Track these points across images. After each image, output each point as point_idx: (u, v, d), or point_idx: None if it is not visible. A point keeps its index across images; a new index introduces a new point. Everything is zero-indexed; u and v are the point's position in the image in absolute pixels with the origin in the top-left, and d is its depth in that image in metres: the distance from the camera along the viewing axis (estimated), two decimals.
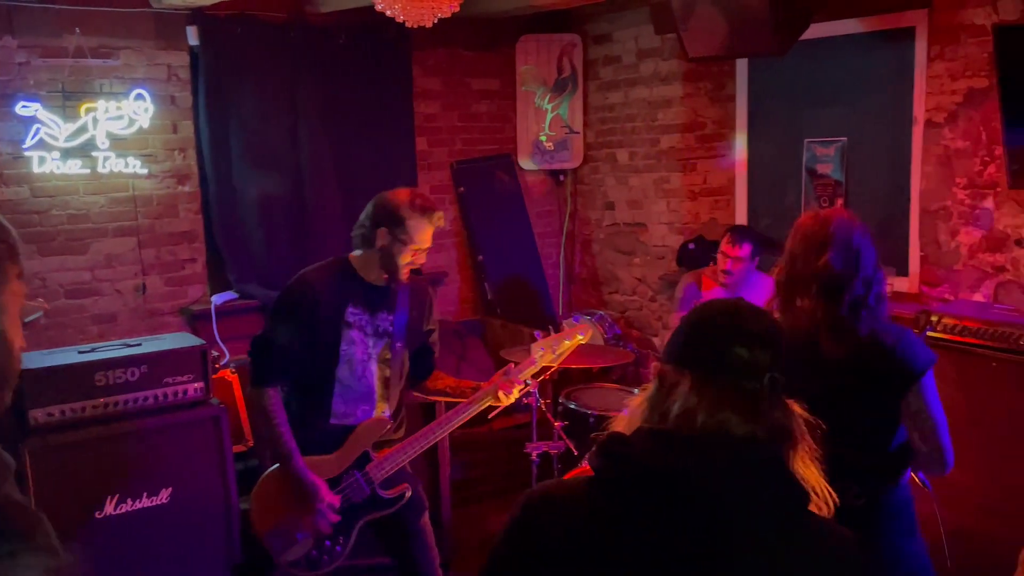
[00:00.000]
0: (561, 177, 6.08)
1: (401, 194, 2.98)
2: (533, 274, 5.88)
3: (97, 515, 3.36)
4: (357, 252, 3.00)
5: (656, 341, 5.66)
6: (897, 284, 4.37)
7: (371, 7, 3.54)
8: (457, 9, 3.53)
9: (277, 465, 2.96)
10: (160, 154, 4.55)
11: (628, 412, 1.36)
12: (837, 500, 1.36)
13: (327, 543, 2.96)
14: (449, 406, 3.18)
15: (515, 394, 3.08)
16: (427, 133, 5.49)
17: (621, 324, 5.75)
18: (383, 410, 3.06)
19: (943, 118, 4.13)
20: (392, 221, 2.91)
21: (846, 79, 4.55)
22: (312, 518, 2.89)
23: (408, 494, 3.05)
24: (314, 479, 2.90)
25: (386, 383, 3.05)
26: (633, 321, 5.79)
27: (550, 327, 3.11)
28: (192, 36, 4.56)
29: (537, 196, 6.03)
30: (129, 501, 3.42)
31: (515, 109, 5.83)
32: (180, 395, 3.55)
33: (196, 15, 4.51)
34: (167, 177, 4.58)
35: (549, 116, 5.87)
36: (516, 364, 3.18)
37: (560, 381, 4.89)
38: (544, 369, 3.22)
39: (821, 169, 4.72)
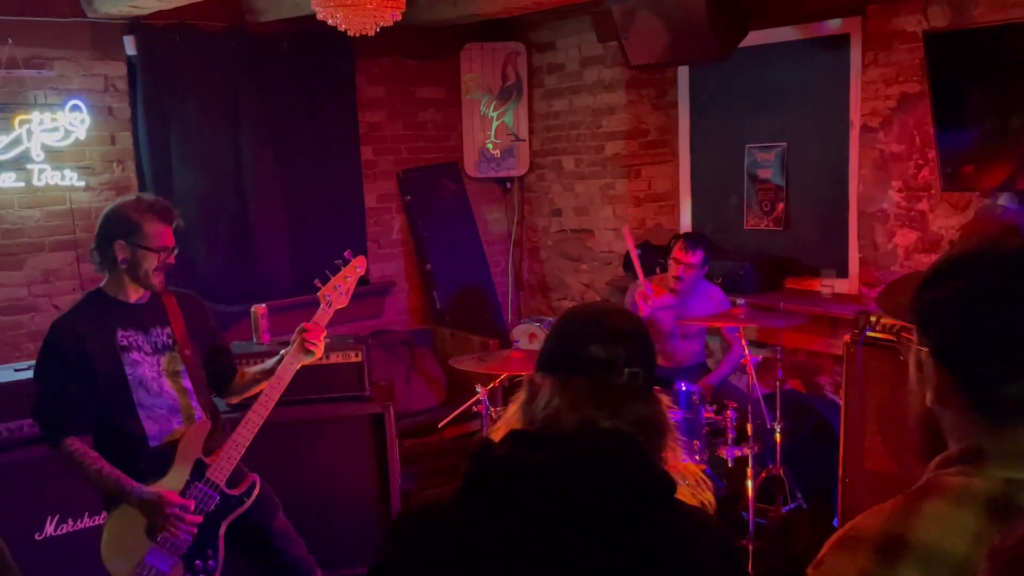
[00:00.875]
0: (508, 184, 6.09)
1: (127, 203, 2.84)
2: (482, 282, 5.88)
3: (37, 536, 3.27)
4: (105, 277, 2.85)
5: None
6: (837, 286, 4.46)
7: (313, 16, 3.52)
8: (399, 18, 3.53)
9: (111, 510, 2.79)
10: (98, 166, 4.46)
11: (502, 421, 1.39)
12: (711, 486, 1.41)
13: (197, 562, 2.80)
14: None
15: (322, 344, 2.94)
16: (372, 142, 5.47)
17: None
18: (195, 414, 2.93)
19: (878, 123, 4.23)
20: (126, 231, 2.76)
21: (785, 85, 4.65)
22: (169, 535, 2.73)
23: (257, 484, 2.94)
24: (155, 490, 2.74)
25: (187, 393, 2.92)
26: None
27: (328, 273, 2.98)
28: (129, 46, 4.48)
29: (484, 204, 6.04)
30: (70, 521, 3.33)
31: (460, 117, 5.84)
32: None
33: (133, 24, 4.43)
34: (105, 189, 4.49)
35: (495, 124, 5.89)
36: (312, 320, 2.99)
37: (511, 388, 4.90)
38: (339, 311, 3.04)
39: (762, 174, 4.80)
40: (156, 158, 4.56)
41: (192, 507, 2.77)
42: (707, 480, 1.42)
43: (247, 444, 2.87)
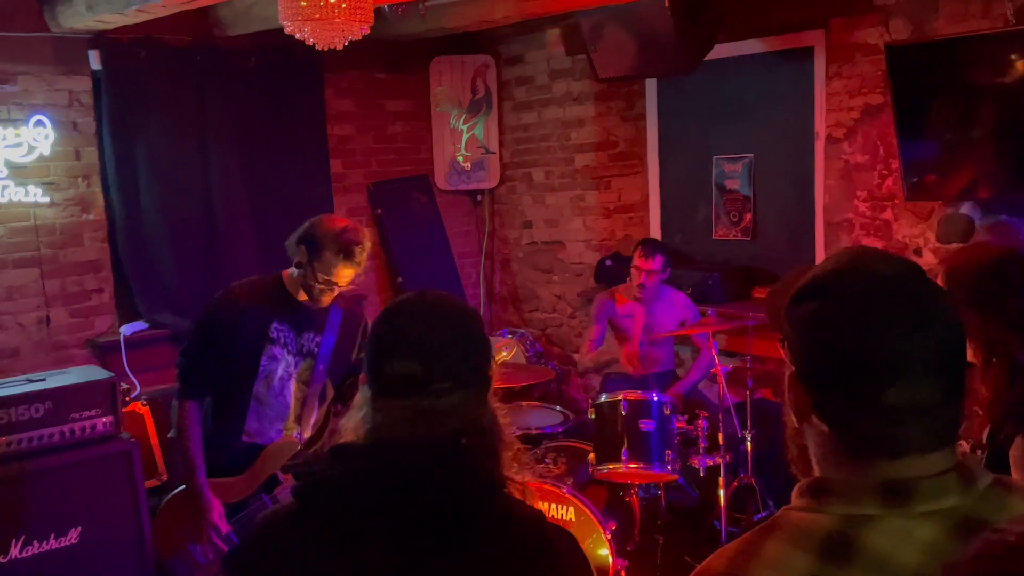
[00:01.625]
0: (478, 197, 6.10)
1: (334, 224, 2.88)
2: (453, 294, 5.87)
3: (1, 559, 3.20)
4: (291, 269, 2.96)
5: (577, 358, 5.71)
6: None
7: (280, 30, 3.51)
8: (368, 32, 3.53)
9: (182, 487, 2.91)
10: (63, 182, 4.41)
11: (346, 428, 1.37)
12: (532, 488, 1.39)
13: None
14: None
15: None
16: (342, 155, 5.45)
17: (542, 342, 5.79)
18: (294, 432, 3.00)
19: (843, 133, 4.29)
20: (311, 246, 2.84)
21: (751, 97, 4.70)
22: (202, 541, 2.85)
23: None
24: (210, 499, 2.84)
25: (303, 404, 3.00)
26: (553, 338, 5.83)
27: None
28: (94, 60, 4.44)
29: (455, 216, 6.04)
30: (36, 543, 3.27)
31: (430, 130, 5.84)
32: (88, 430, 3.41)
33: (98, 39, 4.39)
34: (71, 205, 4.44)
35: (465, 137, 5.90)
36: None
37: None
38: None
39: (730, 185, 4.85)
40: (122, 173, 4.52)
41: (224, 531, 2.84)
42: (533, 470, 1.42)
43: None
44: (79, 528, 3.35)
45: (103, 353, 4.49)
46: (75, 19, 4.05)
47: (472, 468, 1.27)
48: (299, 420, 3.01)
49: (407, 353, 1.29)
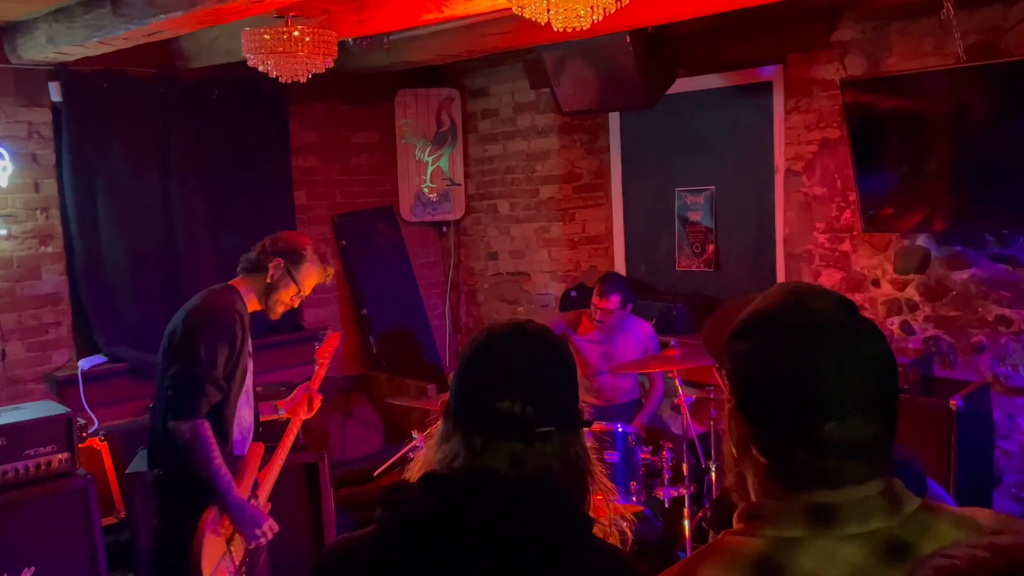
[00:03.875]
0: (444, 228, 6.11)
1: (303, 237, 3.07)
2: (418, 326, 5.86)
3: None
4: (242, 279, 2.97)
5: None
6: None
7: (244, 62, 3.52)
8: (332, 65, 3.55)
9: (203, 517, 2.79)
10: (21, 214, 4.34)
11: (419, 459, 1.36)
12: (630, 524, 1.43)
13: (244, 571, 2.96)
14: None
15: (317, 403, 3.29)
16: (306, 186, 5.44)
17: None
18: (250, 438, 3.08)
19: (801, 166, 4.37)
20: (292, 256, 2.94)
21: (712, 130, 4.77)
22: (247, 547, 2.90)
23: None
24: (256, 504, 2.91)
25: (256, 409, 3.12)
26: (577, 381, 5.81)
27: (315, 343, 3.36)
28: (55, 92, 4.40)
29: (420, 248, 6.04)
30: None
31: (395, 162, 5.85)
32: (43, 467, 3.36)
33: (59, 71, 4.36)
34: (29, 238, 4.37)
35: (430, 168, 5.91)
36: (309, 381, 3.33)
37: None
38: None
39: (692, 216, 4.90)
40: (82, 205, 4.47)
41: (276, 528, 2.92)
42: (624, 516, 1.42)
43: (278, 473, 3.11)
44: (32, 568, 3.28)
45: (60, 387, 4.41)
46: (35, 51, 4.02)
47: (563, 506, 1.26)
48: (257, 426, 3.09)
49: (514, 394, 1.25)
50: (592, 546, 1.27)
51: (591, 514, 1.31)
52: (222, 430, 2.87)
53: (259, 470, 3.01)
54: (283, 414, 3.24)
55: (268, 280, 2.93)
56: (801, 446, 1.00)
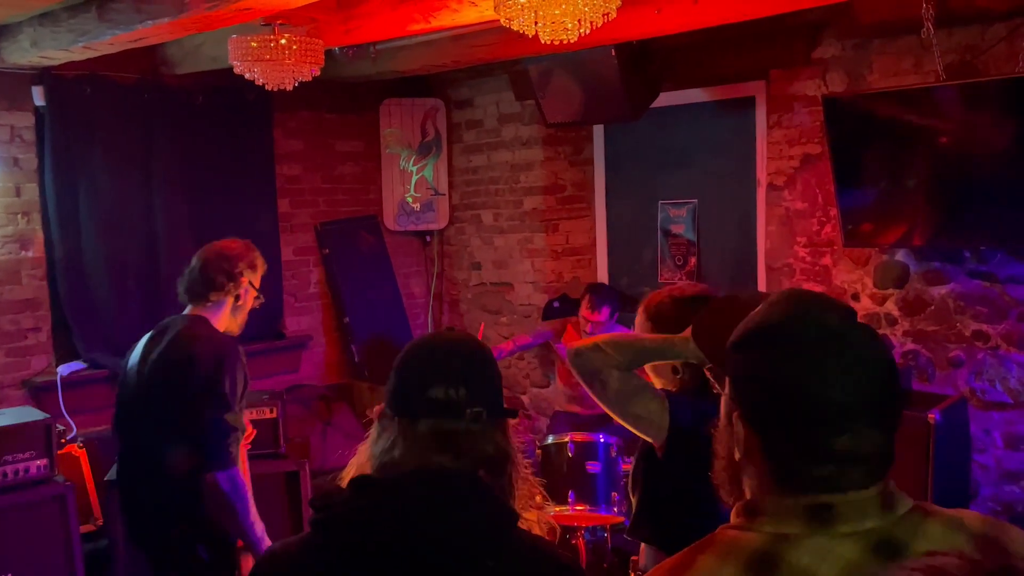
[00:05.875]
0: (427, 238, 6.11)
1: (239, 243, 2.89)
2: (401, 335, 5.85)
3: None
4: (201, 307, 2.79)
5: (525, 399, 5.71)
6: None
7: (229, 69, 3.52)
8: (318, 73, 3.55)
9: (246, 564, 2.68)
10: (2, 218, 4.31)
11: (353, 462, 1.42)
12: (553, 520, 1.48)
13: None
14: None
15: None
16: (290, 195, 5.43)
17: None
18: None
19: (783, 181, 4.41)
20: (251, 269, 2.84)
21: (695, 144, 4.81)
22: None
23: None
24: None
25: None
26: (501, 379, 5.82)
27: None
28: (38, 96, 4.38)
29: (404, 257, 6.04)
30: None
31: (380, 171, 5.86)
32: (21, 473, 3.33)
33: (43, 75, 4.34)
34: (9, 242, 4.34)
35: (414, 178, 5.92)
36: None
37: None
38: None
39: (675, 229, 4.94)
40: (63, 210, 4.44)
41: None
42: (550, 505, 1.48)
43: None
44: (9, 575, 3.25)
45: (39, 394, 4.37)
46: (19, 54, 4.00)
47: (489, 501, 1.30)
48: None
49: (445, 380, 1.34)
50: (516, 538, 1.30)
51: (517, 508, 1.36)
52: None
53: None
54: None
55: (239, 303, 2.82)
56: (811, 457, 1.03)
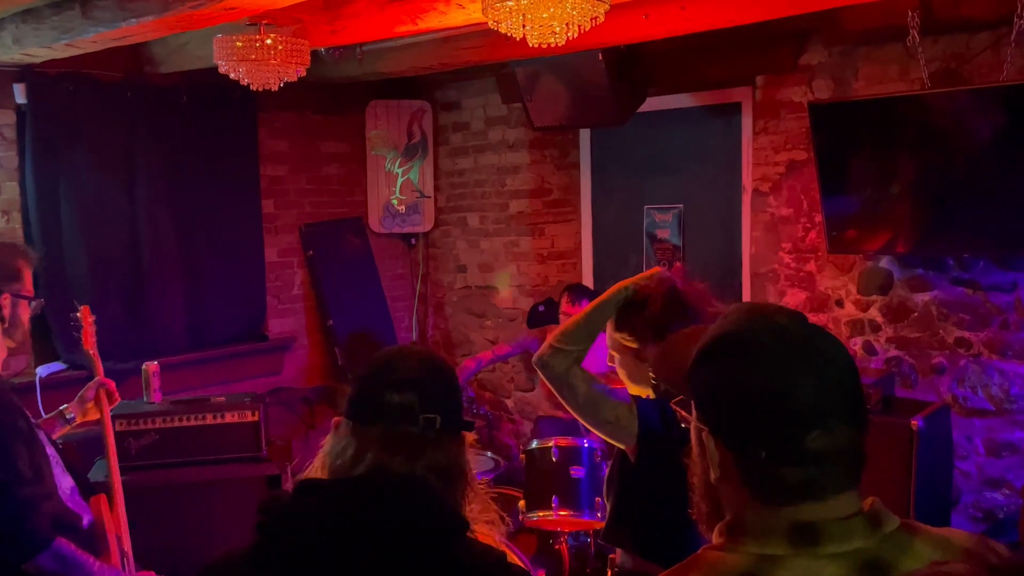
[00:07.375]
0: (413, 240, 6.09)
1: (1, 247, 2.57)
2: (385, 338, 5.82)
3: None
4: None
5: (509, 403, 5.70)
6: None
7: (214, 68, 3.49)
8: (303, 74, 3.53)
9: None
10: None
11: (311, 467, 1.41)
12: (510, 525, 1.47)
13: None
14: None
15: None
16: (274, 195, 5.40)
17: (474, 386, 5.76)
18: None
19: (768, 187, 4.42)
20: (12, 278, 2.46)
21: (681, 149, 4.82)
22: None
23: None
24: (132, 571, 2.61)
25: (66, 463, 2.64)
26: (486, 383, 5.81)
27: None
28: (20, 94, 4.33)
29: (389, 259, 6.01)
30: None
31: (365, 173, 5.83)
32: None
33: (25, 72, 4.29)
34: None
35: (400, 180, 5.90)
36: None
37: None
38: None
39: (660, 234, 4.94)
40: (44, 209, 4.39)
41: None
42: (506, 520, 1.48)
43: None
44: None
45: (17, 394, 4.31)
46: (1, 51, 3.95)
47: (436, 508, 1.29)
48: (77, 477, 2.68)
49: (401, 387, 1.36)
50: (464, 545, 1.29)
51: (473, 521, 1.35)
52: (63, 513, 2.32)
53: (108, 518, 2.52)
54: (75, 420, 2.79)
55: (6, 324, 2.43)
56: (786, 461, 1.02)
